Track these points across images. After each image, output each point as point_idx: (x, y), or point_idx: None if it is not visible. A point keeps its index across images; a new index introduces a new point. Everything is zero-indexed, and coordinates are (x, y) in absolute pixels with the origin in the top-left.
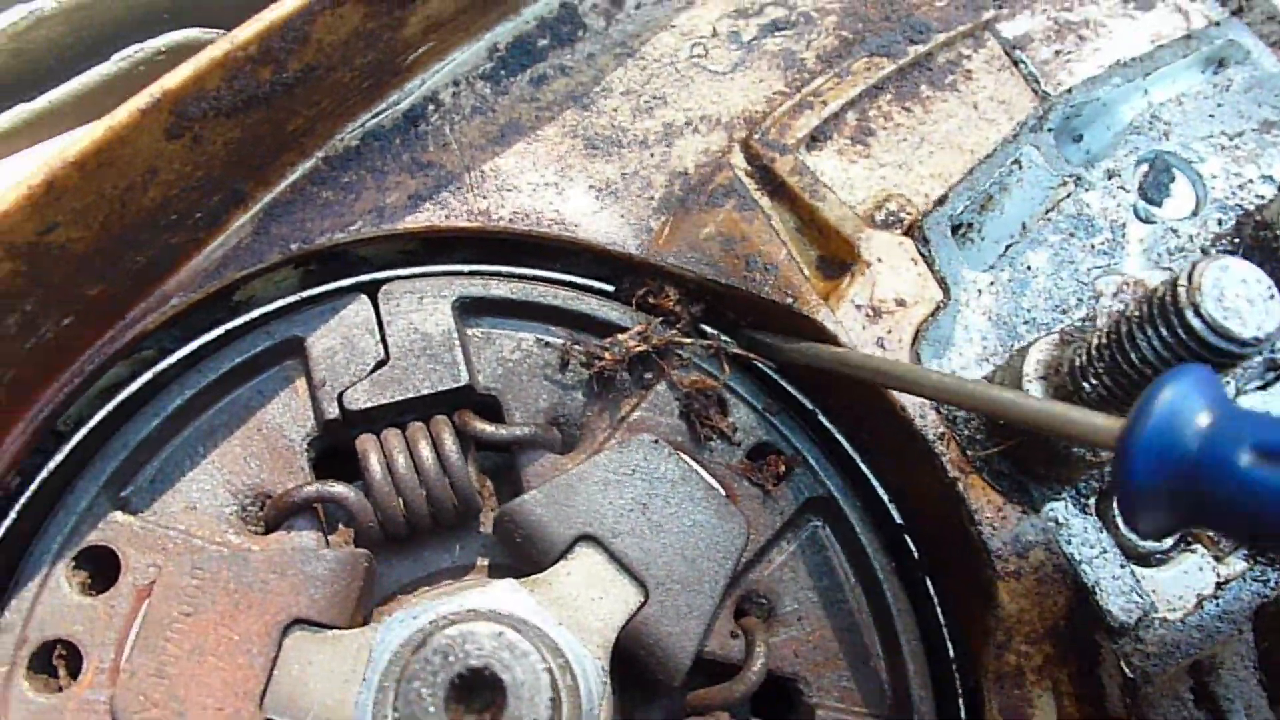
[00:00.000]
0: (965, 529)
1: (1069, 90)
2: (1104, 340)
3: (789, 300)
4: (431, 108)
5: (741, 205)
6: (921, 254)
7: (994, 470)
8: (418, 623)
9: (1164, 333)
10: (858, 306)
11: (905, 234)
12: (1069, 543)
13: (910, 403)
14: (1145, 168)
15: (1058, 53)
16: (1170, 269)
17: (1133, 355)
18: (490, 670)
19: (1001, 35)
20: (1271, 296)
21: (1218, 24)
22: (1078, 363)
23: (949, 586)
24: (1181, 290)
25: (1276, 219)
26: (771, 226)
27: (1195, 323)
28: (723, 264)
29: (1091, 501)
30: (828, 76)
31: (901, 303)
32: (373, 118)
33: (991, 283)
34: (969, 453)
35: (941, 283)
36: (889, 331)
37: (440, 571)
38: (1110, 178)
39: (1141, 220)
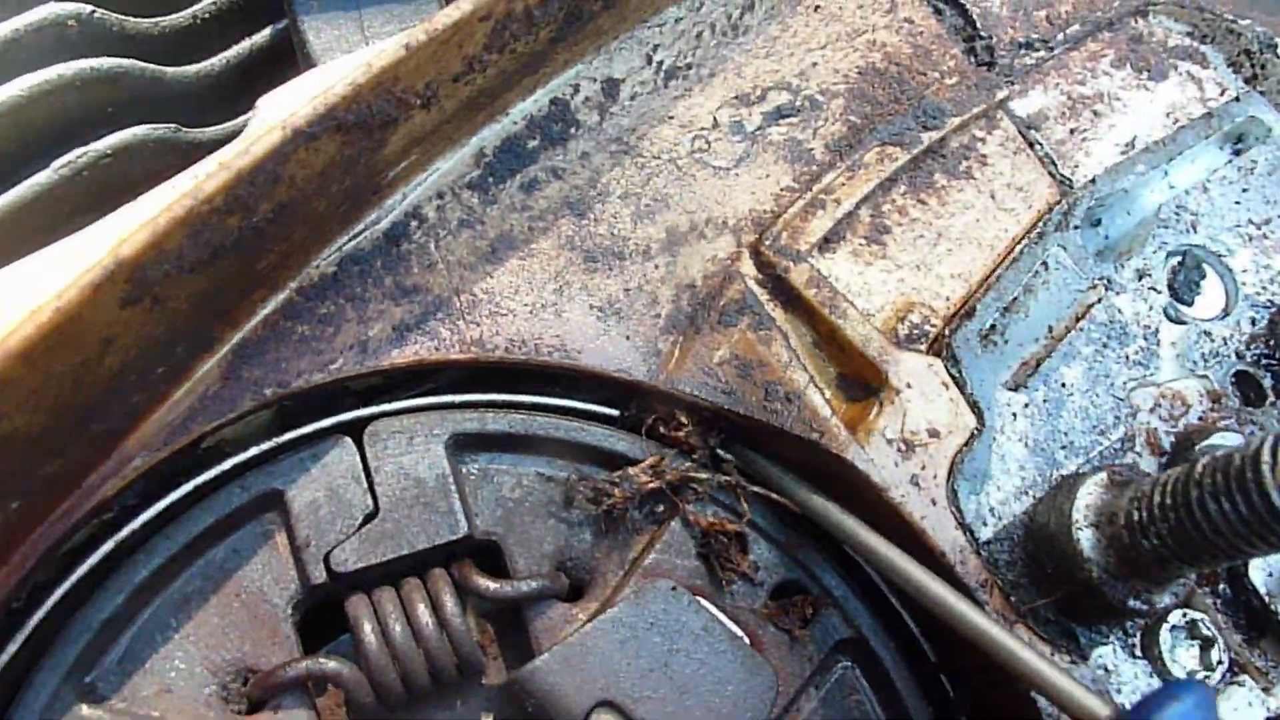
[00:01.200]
0: (1005, 681)
1: (1093, 181)
2: (1169, 500)
3: (815, 435)
4: (415, 224)
5: (756, 324)
6: (952, 376)
7: (1041, 618)
8: None
9: (1242, 510)
10: (889, 441)
11: (932, 350)
12: (1119, 692)
13: (949, 545)
14: (1174, 264)
15: (1073, 131)
16: (1206, 376)
17: (1204, 526)
18: None
19: (1015, 114)
20: None
21: (1237, 99)
22: (1136, 518)
23: None
24: (1265, 469)
25: None
26: (790, 348)
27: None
28: (740, 392)
29: (1138, 639)
30: (839, 170)
31: (935, 433)
32: (350, 240)
33: (1026, 404)
34: (1013, 599)
35: (975, 408)
36: (923, 468)
37: None
38: (1141, 278)
39: (1173, 322)
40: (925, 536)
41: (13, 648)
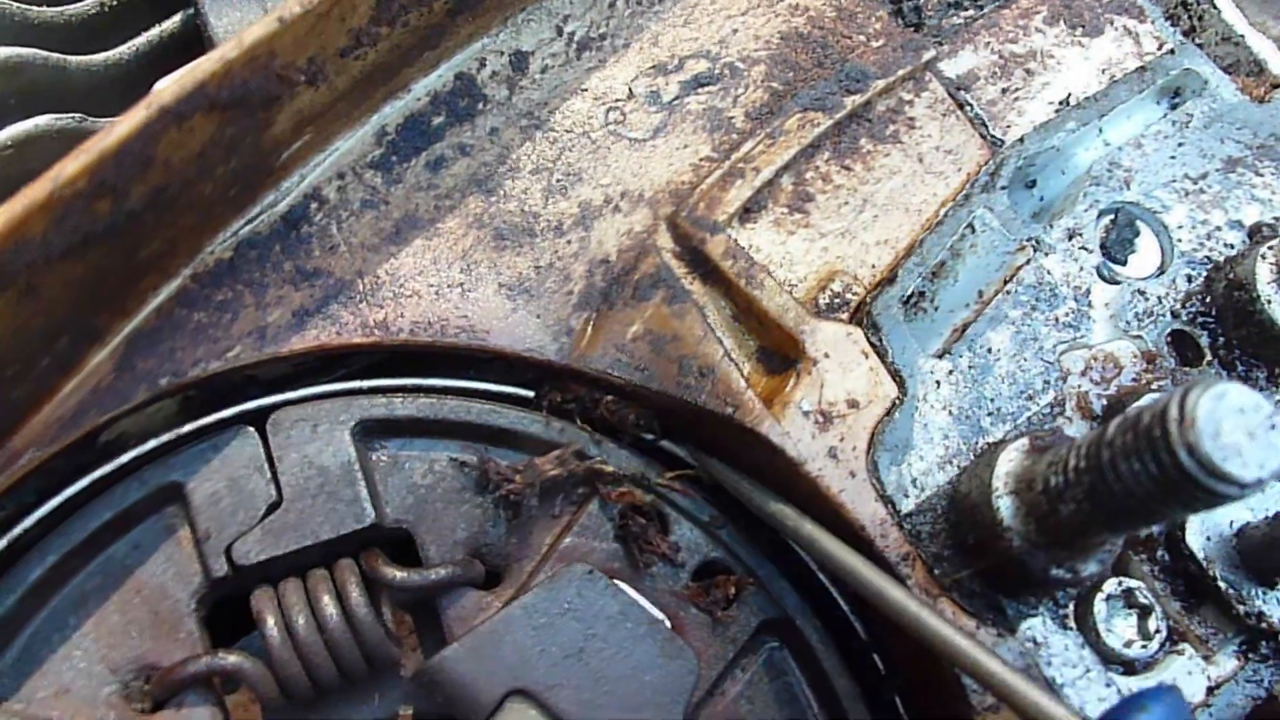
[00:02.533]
0: (936, 659)
1: (1021, 140)
2: (1083, 464)
3: (729, 410)
4: (314, 206)
5: (671, 297)
6: (872, 344)
7: (966, 591)
8: None
9: (1153, 469)
10: (805, 413)
11: (853, 320)
12: (1050, 664)
13: (869, 519)
14: (1107, 222)
15: (1005, 90)
16: (1140, 336)
17: (1117, 488)
18: None
19: (944, 75)
20: (1273, 426)
21: (1172, 51)
22: (1053, 484)
23: (923, 709)
24: (1173, 426)
25: (1249, 276)
26: (706, 321)
27: (1189, 464)
28: (654, 368)
29: (1070, 609)
30: (758, 138)
31: (854, 404)
32: (246, 224)
33: (950, 371)
34: (937, 572)
35: (896, 376)
36: (841, 439)
37: None
38: (1071, 238)
39: (1106, 281)
40: (844, 510)
41: None
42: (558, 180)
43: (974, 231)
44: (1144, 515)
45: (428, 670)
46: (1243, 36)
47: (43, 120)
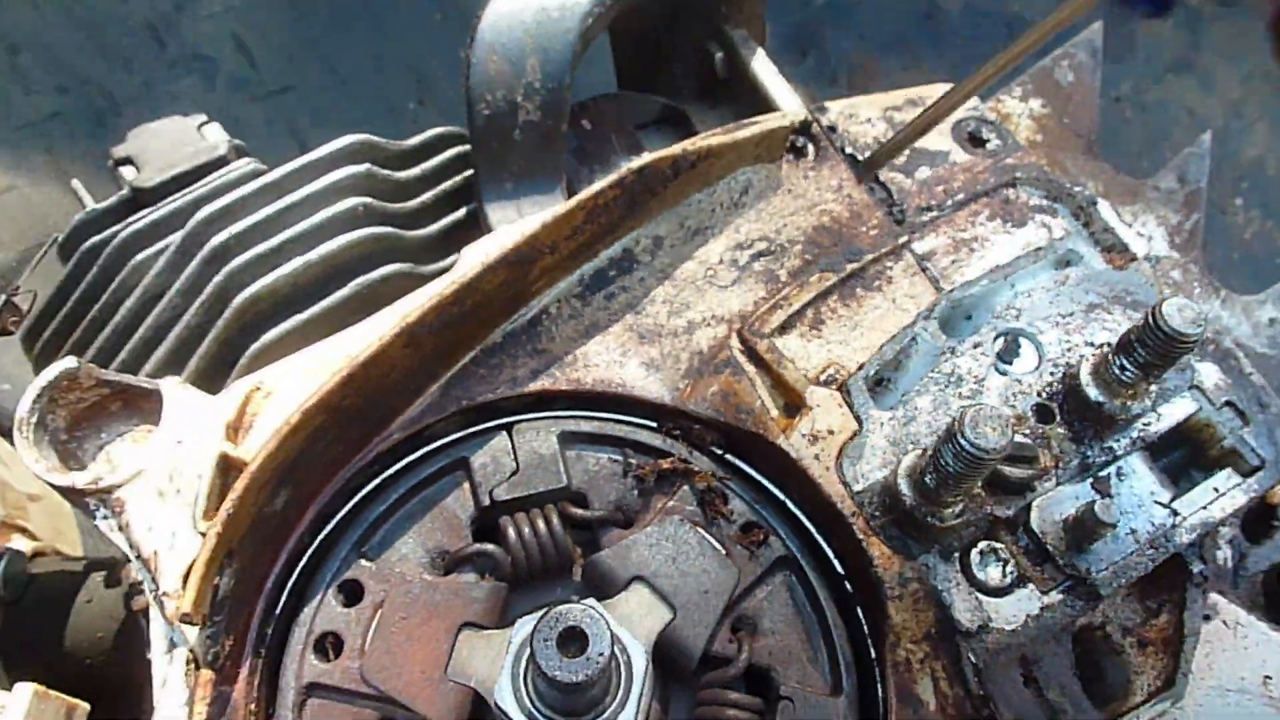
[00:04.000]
0: (869, 571)
1: (950, 291)
2: (932, 453)
3: (761, 431)
4: (544, 316)
5: (735, 372)
6: (846, 401)
7: (887, 535)
8: (535, 620)
9: (952, 455)
10: (803, 435)
11: (839, 389)
12: (935, 578)
13: (836, 493)
14: (1003, 339)
15: (954, 261)
16: (1014, 406)
17: (945, 466)
18: (580, 628)
19: (915, 251)
20: (1006, 426)
21: (1065, 237)
22: (923, 467)
23: (866, 610)
24: (957, 424)
25: (1078, 371)
26: (754, 388)
27: (964, 442)
28: (722, 409)
29: (955, 559)
30: (792, 286)
31: (831, 432)
32: (510, 323)
33: (890, 419)
34: (871, 524)
35: (858, 419)
36: (823, 450)
37: (549, 601)
38: (976, 347)
39: (1000, 374)
40: (820, 488)
41: (323, 534)
42: (676, 307)
43: (916, 343)
44: (959, 481)
45: (589, 563)
46: (1114, 229)
47: (391, 267)
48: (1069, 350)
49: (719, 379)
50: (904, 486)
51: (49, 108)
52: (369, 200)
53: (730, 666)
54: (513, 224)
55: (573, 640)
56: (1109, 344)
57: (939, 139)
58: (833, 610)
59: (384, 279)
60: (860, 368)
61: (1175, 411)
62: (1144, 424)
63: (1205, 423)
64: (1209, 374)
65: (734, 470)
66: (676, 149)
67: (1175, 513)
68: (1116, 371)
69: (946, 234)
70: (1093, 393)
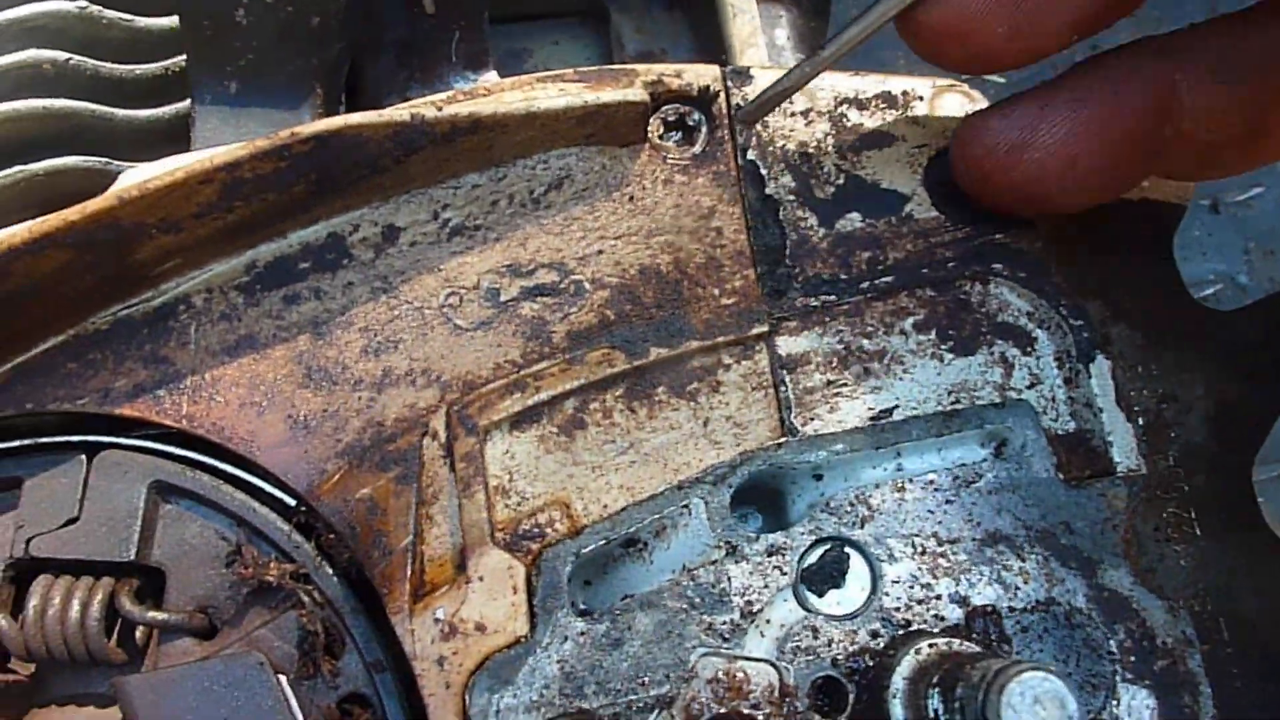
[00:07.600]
0: None
1: (792, 441)
2: None
3: (383, 592)
4: (183, 308)
5: (401, 477)
6: (530, 583)
7: None
8: None
9: None
10: (436, 620)
11: (532, 555)
12: None
13: None
14: (821, 551)
15: (830, 383)
16: (788, 669)
17: None
18: None
19: (776, 351)
20: None
21: (1021, 394)
22: None
23: None
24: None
25: (891, 661)
26: (413, 511)
27: None
28: (359, 530)
29: None
30: (557, 360)
31: (481, 628)
32: (125, 308)
33: (582, 633)
34: None
35: (531, 618)
36: (455, 654)
37: (86, 695)
38: (771, 554)
39: (797, 604)
40: (429, 710)
41: None
42: (377, 342)
43: (689, 513)
44: None
45: (115, 685)
46: (1101, 410)
47: (71, 159)
48: (922, 602)
49: (378, 479)
50: None
51: None
52: (69, 57)
53: None
54: (200, 152)
55: None
56: (991, 608)
57: (905, 174)
58: None
59: (51, 173)
60: (574, 534)
61: None
62: None
63: None
64: None
65: (372, 608)
66: (403, 113)
67: None
68: (930, 714)
69: (839, 335)
70: (895, 707)
